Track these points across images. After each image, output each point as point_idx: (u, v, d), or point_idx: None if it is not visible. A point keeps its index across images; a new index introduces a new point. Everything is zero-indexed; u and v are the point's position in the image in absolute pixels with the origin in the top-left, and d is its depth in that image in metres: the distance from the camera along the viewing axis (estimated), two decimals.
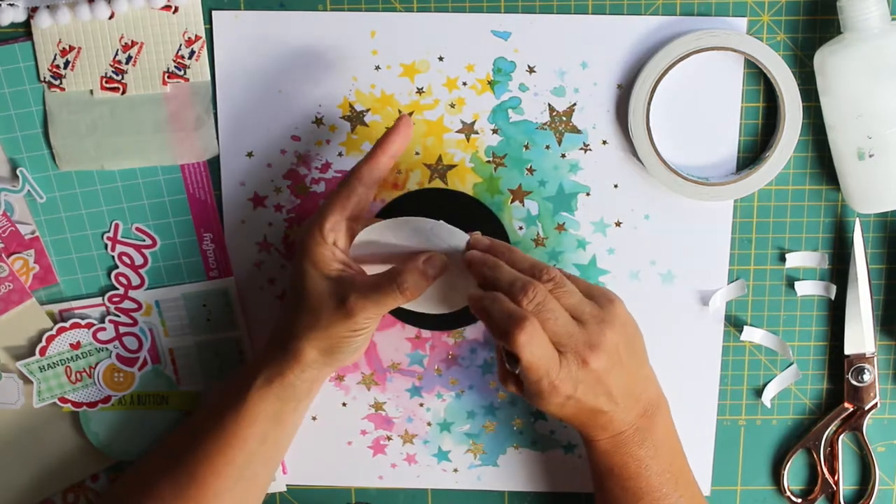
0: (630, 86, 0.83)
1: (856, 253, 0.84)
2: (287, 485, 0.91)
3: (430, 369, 0.89)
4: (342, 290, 0.76)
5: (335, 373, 0.89)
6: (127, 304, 0.87)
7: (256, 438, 0.79)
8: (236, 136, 0.85)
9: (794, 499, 0.89)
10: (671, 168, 0.83)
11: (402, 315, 0.87)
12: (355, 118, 0.85)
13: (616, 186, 0.85)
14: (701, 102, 0.83)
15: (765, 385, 0.88)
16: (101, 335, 0.87)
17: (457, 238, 0.77)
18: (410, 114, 0.84)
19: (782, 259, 0.86)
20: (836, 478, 0.88)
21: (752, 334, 0.86)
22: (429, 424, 0.89)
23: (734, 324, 0.86)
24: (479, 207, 0.85)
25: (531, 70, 0.83)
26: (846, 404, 0.87)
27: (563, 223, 0.86)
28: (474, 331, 0.88)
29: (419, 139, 0.85)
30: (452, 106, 0.84)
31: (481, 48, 0.83)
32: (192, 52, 0.83)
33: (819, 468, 0.88)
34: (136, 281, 0.87)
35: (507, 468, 0.90)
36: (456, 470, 0.90)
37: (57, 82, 0.83)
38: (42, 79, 0.83)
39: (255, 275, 0.87)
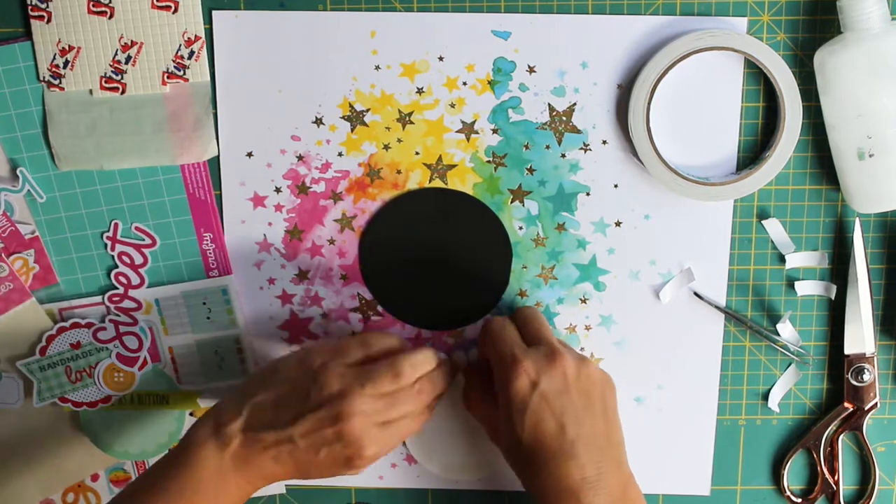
0: (630, 86, 0.83)
1: (856, 253, 0.84)
2: (286, 485, 0.91)
3: None
4: None
5: None
6: (127, 304, 0.87)
7: None
8: (236, 136, 0.85)
9: (794, 499, 0.89)
10: (671, 168, 0.82)
11: (403, 315, 0.88)
12: (355, 118, 0.85)
13: (616, 186, 0.85)
14: (701, 102, 0.83)
15: (766, 387, 0.88)
16: (101, 335, 0.87)
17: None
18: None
19: (782, 259, 0.86)
20: (836, 478, 0.88)
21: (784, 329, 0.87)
22: None
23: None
24: (479, 207, 0.86)
25: (531, 70, 0.83)
26: (846, 404, 0.87)
27: (563, 223, 0.86)
28: (474, 331, 0.88)
29: (419, 139, 0.85)
30: (452, 106, 0.84)
31: (481, 48, 0.83)
32: (192, 53, 0.83)
33: (819, 468, 0.88)
34: (135, 280, 0.87)
35: (507, 468, 0.90)
36: None
37: (56, 82, 0.83)
38: (42, 79, 0.83)
39: (255, 275, 0.87)
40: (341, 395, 0.76)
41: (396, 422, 0.79)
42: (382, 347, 0.81)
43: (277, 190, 0.86)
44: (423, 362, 0.80)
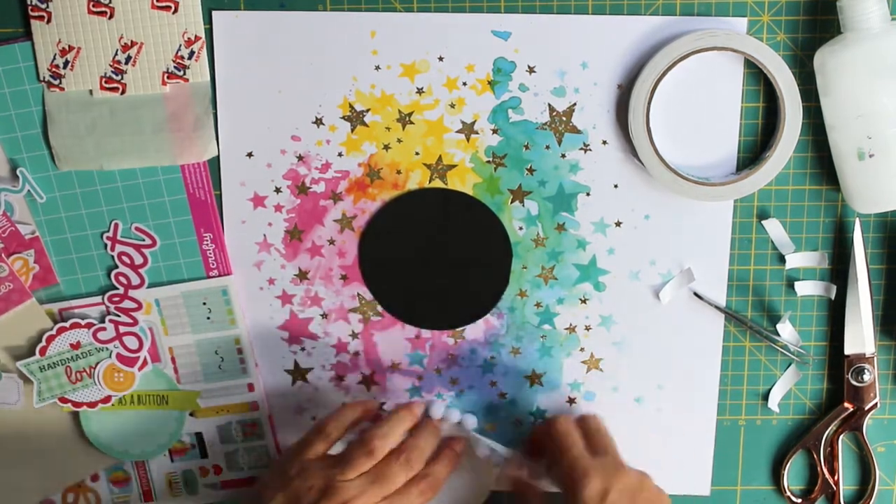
0: (630, 86, 0.83)
1: (856, 253, 0.84)
2: None
3: (429, 369, 0.89)
4: None
5: (335, 373, 0.89)
6: (127, 304, 0.87)
7: None
8: (236, 136, 0.85)
9: (794, 499, 0.89)
10: (671, 168, 0.83)
11: (403, 315, 0.88)
12: (355, 118, 0.85)
13: (616, 186, 0.85)
14: (701, 102, 0.83)
15: (766, 387, 0.88)
16: (101, 335, 0.87)
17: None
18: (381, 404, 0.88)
19: (782, 259, 0.86)
20: (836, 478, 0.88)
21: (784, 329, 0.87)
22: None
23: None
24: (479, 207, 0.86)
25: (531, 70, 0.83)
26: (846, 404, 0.87)
27: (563, 223, 0.86)
28: (474, 331, 0.88)
29: (419, 139, 0.85)
30: (452, 106, 0.84)
31: (481, 48, 0.83)
32: (192, 53, 0.83)
33: (819, 468, 0.88)
34: (135, 280, 0.87)
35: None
36: None
37: (56, 82, 0.83)
38: (42, 79, 0.83)
39: (255, 275, 0.87)
40: (329, 490, 0.77)
41: (400, 494, 0.79)
42: (343, 426, 0.83)
43: (277, 190, 0.86)
44: (393, 428, 0.82)
